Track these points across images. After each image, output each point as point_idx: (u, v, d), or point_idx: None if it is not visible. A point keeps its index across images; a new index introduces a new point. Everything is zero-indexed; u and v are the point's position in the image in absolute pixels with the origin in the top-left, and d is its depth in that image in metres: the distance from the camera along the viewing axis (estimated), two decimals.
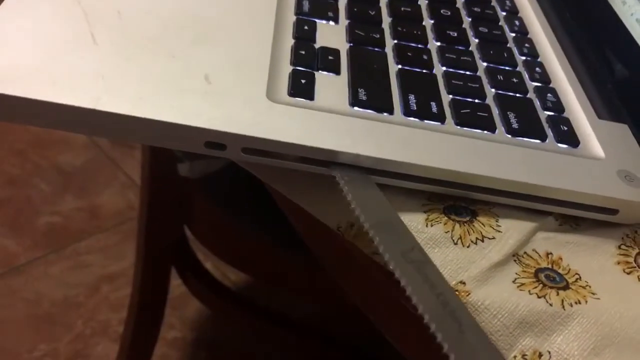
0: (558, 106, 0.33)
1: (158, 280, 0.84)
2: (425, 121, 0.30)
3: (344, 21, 0.35)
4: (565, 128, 0.32)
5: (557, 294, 0.27)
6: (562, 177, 0.28)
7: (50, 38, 0.28)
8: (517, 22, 0.39)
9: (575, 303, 0.27)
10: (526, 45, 0.37)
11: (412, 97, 0.31)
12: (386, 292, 0.29)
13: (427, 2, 0.39)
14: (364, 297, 0.33)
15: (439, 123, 0.30)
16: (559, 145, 0.31)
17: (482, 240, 0.28)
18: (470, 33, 0.37)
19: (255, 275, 0.82)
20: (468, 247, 0.28)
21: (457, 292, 0.26)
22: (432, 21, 0.37)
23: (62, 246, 1.12)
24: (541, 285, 0.27)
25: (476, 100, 0.32)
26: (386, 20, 0.36)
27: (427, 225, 0.28)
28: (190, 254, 0.82)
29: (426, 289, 0.24)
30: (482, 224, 0.29)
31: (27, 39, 0.28)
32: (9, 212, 1.13)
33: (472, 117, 0.31)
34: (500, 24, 0.39)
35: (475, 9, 0.39)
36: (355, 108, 0.29)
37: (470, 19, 0.39)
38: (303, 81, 0.30)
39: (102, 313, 1.04)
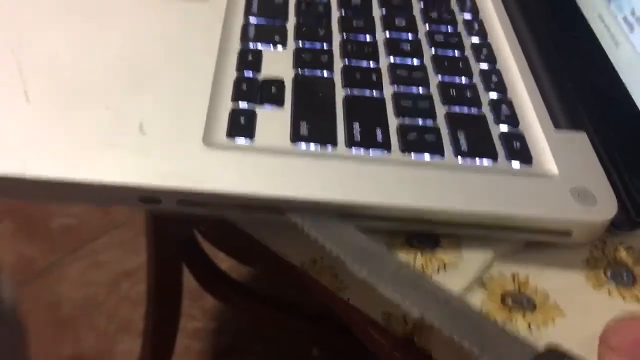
0: (513, 119, 0.32)
1: (171, 277, 0.85)
2: (371, 150, 0.29)
3: (292, 44, 0.34)
4: (518, 144, 0.31)
5: (524, 317, 0.26)
6: (510, 203, 0.28)
7: None
8: (476, 26, 0.38)
9: (543, 325, 0.26)
10: (484, 51, 0.36)
11: (356, 126, 0.30)
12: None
13: (382, 12, 0.38)
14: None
15: (384, 151, 0.29)
16: (511, 163, 0.30)
17: (445, 269, 0.28)
18: (425, 43, 0.36)
19: (262, 269, 0.83)
20: (430, 277, 0.27)
21: (420, 327, 0.26)
22: (386, 34, 0.36)
23: (78, 247, 1.14)
24: (508, 310, 0.27)
25: (425, 122, 0.31)
26: (336, 39, 0.35)
27: None
28: (200, 250, 0.83)
29: (432, 304, 0.24)
30: (445, 251, 0.28)
31: None
32: (22, 218, 1.16)
33: (419, 141, 0.30)
34: (458, 29, 0.37)
35: (433, 14, 0.38)
36: (297, 144, 0.29)
37: (426, 26, 0.37)
38: (242, 119, 0.29)
39: (124, 309, 1.06)
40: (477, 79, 0.34)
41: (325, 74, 0.33)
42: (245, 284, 1.05)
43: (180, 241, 0.81)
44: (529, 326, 0.26)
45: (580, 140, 0.31)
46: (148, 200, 0.26)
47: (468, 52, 0.36)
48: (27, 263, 1.10)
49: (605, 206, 0.28)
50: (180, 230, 0.79)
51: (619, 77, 0.32)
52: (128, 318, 1.04)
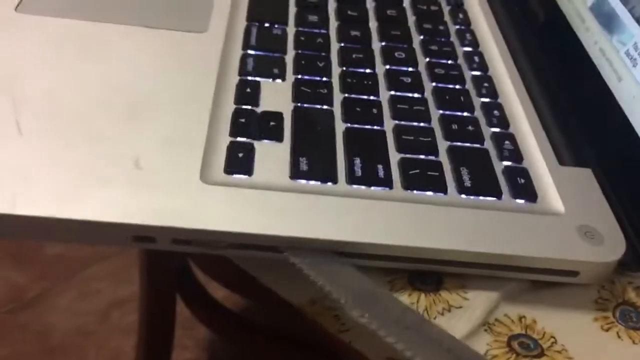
0: (516, 155, 0.31)
1: (164, 307, 0.84)
2: (372, 188, 0.28)
3: (291, 77, 0.34)
4: (523, 181, 0.30)
5: None
6: (515, 242, 0.27)
7: None
8: (476, 58, 0.37)
9: None
10: (485, 85, 0.35)
11: (357, 161, 0.29)
12: None
13: (381, 44, 0.37)
14: None
15: (386, 188, 0.29)
16: (516, 201, 0.29)
17: (449, 310, 0.27)
18: (425, 76, 0.36)
19: (257, 300, 0.81)
20: (435, 318, 0.26)
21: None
22: (386, 66, 0.36)
23: (69, 275, 1.13)
24: (514, 355, 0.26)
25: (427, 157, 0.30)
26: (336, 71, 0.35)
27: None
28: (194, 281, 0.82)
29: (435, 350, 0.23)
30: (449, 292, 0.27)
31: None
32: (13, 245, 1.14)
33: (422, 178, 0.29)
34: (459, 62, 0.37)
35: (433, 47, 0.38)
36: (297, 181, 0.28)
37: (426, 59, 0.37)
38: (240, 155, 0.29)
39: (114, 339, 1.04)
40: (478, 113, 0.34)
41: (325, 107, 0.32)
42: (241, 314, 1.03)
43: (173, 270, 0.80)
44: None
45: (585, 177, 0.30)
46: (142, 239, 0.25)
47: (469, 86, 0.35)
48: (17, 291, 1.08)
49: (612, 245, 0.27)
50: (173, 259, 0.78)
51: (622, 111, 0.32)
52: (118, 348, 1.03)
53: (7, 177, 0.25)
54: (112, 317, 1.06)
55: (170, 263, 0.79)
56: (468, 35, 0.39)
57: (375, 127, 0.32)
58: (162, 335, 0.87)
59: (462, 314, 0.27)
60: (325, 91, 0.33)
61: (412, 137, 0.31)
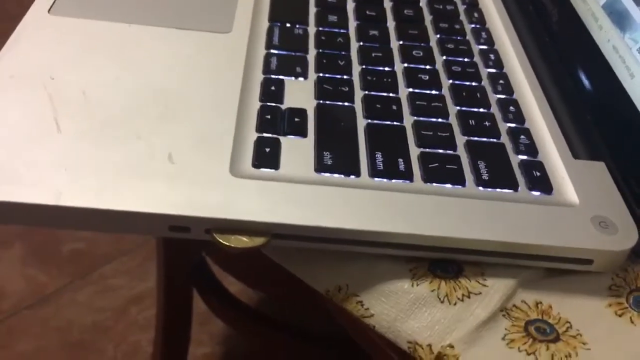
0: (531, 149, 0.32)
1: (181, 302, 0.85)
2: (393, 180, 0.30)
3: (313, 75, 0.35)
4: (538, 173, 0.31)
5: (547, 349, 0.27)
6: (532, 232, 0.28)
7: (15, 130, 0.29)
8: (492, 56, 0.39)
9: (566, 357, 0.26)
10: (501, 81, 0.37)
11: (379, 156, 0.30)
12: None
13: (399, 43, 0.39)
14: None
15: (407, 181, 0.30)
16: (532, 193, 0.30)
17: (469, 297, 0.28)
18: (443, 73, 0.37)
19: (272, 293, 0.82)
20: (455, 304, 0.28)
21: (445, 356, 0.26)
22: (404, 64, 0.37)
23: (88, 271, 1.14)
24: (531, 339, 0.27)
25: (446, 151, 0.32)
26: (356, 69, 0.36)
27: (413, 285, 0.28)
28: (211, 275, 0.83)
29: None
30: (468, 279, 0.29)
31: None
32: (33, 242, 1.16)
33: (441, 171, 0.30)
34: (474, 59, 0.38)
35: (449, 45, 0.39)
36: (321, 174, 0.29)
37: (443, 57, 0.38)
38: (267, 150, 0.30)
39: (132, 335, 1.06)
40: (494, 109, 0.35)
41: (347, 104, 0.34)
42: (256, 308, 1.04)
43: (190, 266, 0.81)
44: (552, 358, 0.26)
45: (598, 170, 0.32)
46: (177, 229, 0.27)
47: (485, 83, 0.37)
48: (36, 287, 1.10)
49: (626, 235, 0.28)
50: (190, 255, 0.79)
51: (635, 107, 0.33)
52: (136, 343, 1.04)
53: (51, 171, 0.27)
54: (130, 313, 1.08)
55: (187, 258, 0.80)
56: (483, 34, 0.41)
57: (395, 123, 0.33)
58: (179, 330, 0.88)
59: (481, 300, 0.28)
60: (347, 89, 0.34)
61: (431, 132, 0.32)
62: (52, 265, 1.13)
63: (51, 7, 0.36)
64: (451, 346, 0.26)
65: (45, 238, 1.16)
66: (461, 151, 0.32)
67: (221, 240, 0.26)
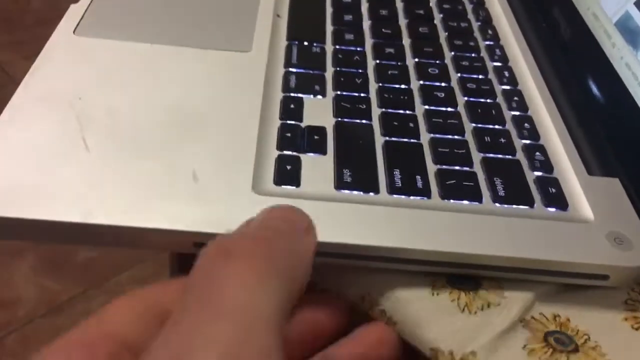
0: (547, 165, 0.33)
1: None
2: (411, 197, 0.30)
3: (331, 93, 0.36)
4: (554, 190, 0.32)
5: (568, 359, 0.27)
6: (548, 248, 0.29)
7: (44, 150, 0.30)
8: (506, 73, 0.39)
9: None
10: (515, 98, 0.37)
11: (397, 173, 0.31)
12: None
13: (415, 61, 0.39)
14: None
15: (424, 198, 0.30)
16: (548, 209, 0.31)
17: (488, 307, 0.29)
18: (458, 90, 0.38)
19: None
20: (475, 314, 0.28)
21: None
22: (420, 82, 0.38)
23: (102, 280, 1.15)
24: (551, 350, 0.28)
25: (463, 168, 0.32)
26: (373, 87, 0.37)
27: (433, 295, 0.29)
28: None
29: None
30: (487, 291, 0.29)
31: (20, 154, 0.29)
32: (47, 251, 1.17)
33: (458, 188, 0.31)
34: (489, 76, 0.39)
35: (464, 62, 0.40)
36: (341, 191, 0.30)
37: (458, 74, 0.39)
38: (288, 167, 0.31)
39: None
40: (510, 126, 0.35)
41: (364, 121, 0.34)
42: None
43: None
44: None
45: (613, 186, 0.32)
46: (202, 245, 0.28)
47: (500, 100, 0.37)
48: (50, 296, 1.11)
49: None
50: None
51: None
52: None
53: (81, 190, 0.28)
54: None
55: None
56: (497, 51, 0.41)
57: (412, 140, 0.34)
58: None
59: (500, 311, 0.28)
60: (364, 106, 0.35)
61: (447, 149, 0.33)
62: (66, 274, 1.14)
63: (76, 28, 0.37)
64: (473, 353, 0.27)
65: (59, 247, 1.17)
66: (477, 168, 0.32)
67: None
